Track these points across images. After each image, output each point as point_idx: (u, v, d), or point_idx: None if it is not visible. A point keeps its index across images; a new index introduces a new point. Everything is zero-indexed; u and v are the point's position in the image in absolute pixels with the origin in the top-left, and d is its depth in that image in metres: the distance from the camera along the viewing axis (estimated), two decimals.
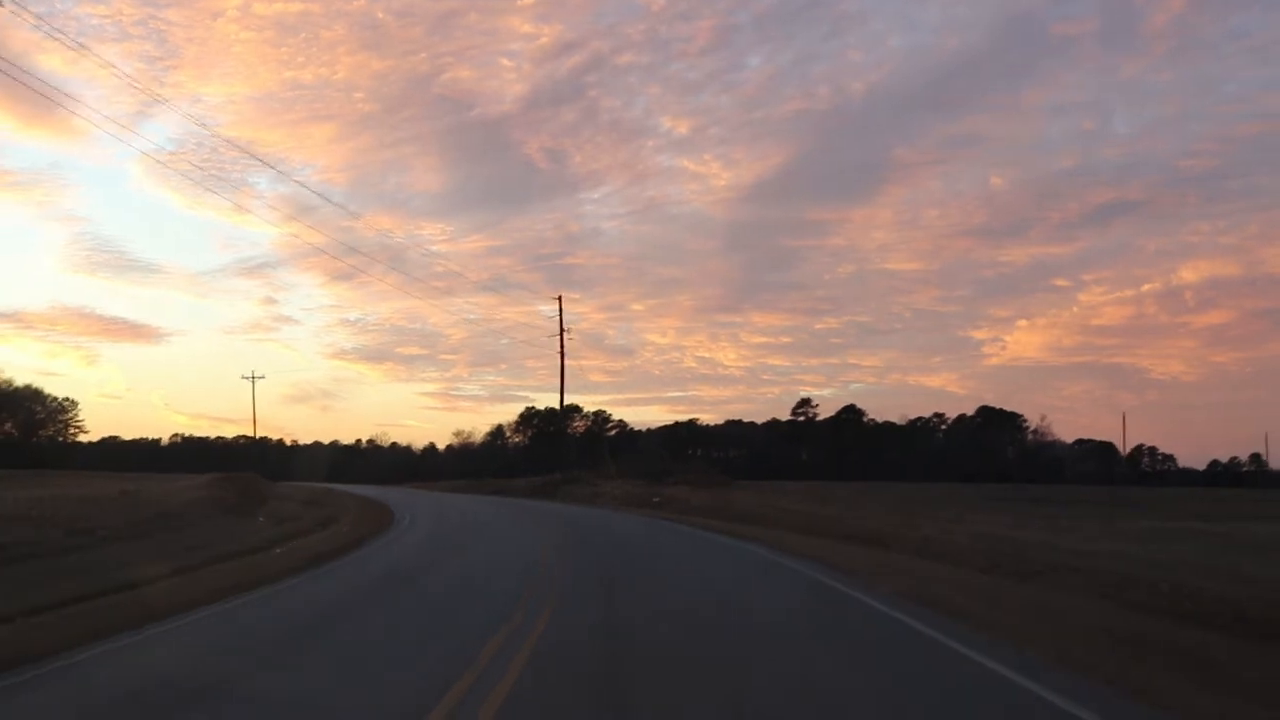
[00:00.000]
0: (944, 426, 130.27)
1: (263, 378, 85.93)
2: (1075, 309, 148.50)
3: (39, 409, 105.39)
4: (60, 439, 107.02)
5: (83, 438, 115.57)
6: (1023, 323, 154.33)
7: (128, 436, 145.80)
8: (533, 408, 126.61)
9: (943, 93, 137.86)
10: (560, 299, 64.08)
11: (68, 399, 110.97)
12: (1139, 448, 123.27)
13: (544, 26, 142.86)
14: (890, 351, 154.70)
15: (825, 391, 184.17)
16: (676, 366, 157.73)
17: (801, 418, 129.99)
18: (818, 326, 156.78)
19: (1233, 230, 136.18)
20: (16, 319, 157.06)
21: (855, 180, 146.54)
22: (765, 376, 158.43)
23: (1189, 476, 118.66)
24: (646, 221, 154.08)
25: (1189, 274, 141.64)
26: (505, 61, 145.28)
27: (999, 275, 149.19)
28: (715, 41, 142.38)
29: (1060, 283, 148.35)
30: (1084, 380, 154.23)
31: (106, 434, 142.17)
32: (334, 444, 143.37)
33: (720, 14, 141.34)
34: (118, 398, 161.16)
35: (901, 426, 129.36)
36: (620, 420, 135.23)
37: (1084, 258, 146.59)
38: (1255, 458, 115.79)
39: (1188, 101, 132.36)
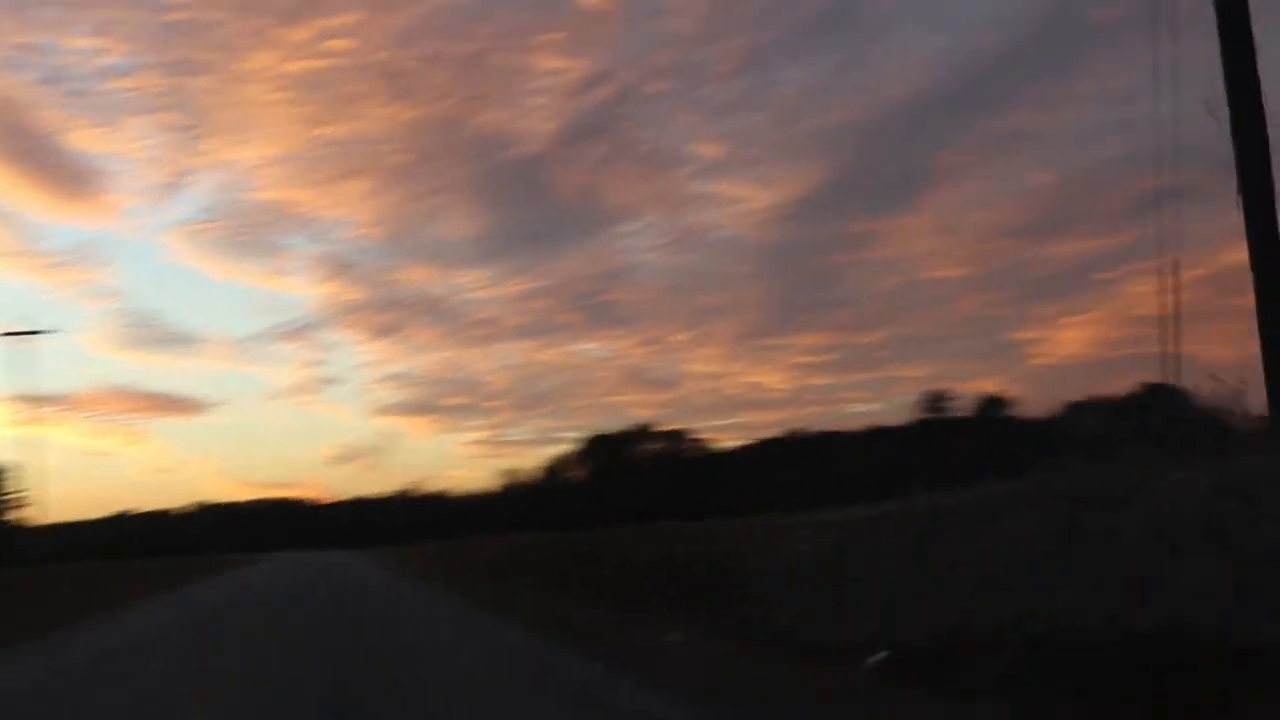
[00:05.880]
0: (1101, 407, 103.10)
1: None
2: (1121, 302, 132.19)
3: None
4: None
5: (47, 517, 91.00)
6: (1068, 320, 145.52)
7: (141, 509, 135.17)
8: (601, 434, 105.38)
9: (981, 91, 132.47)
10: None
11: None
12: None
13: (571, 61, 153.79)
14: (939, 361, 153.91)
15: (874, 406, 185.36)
16: (720, 394, 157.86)
17: (934, 416, 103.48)
18: (863, 342, 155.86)
19: None
20: (65, 401, 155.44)
21: (896, 189, 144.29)
22: (810, 397, 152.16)
23: None
24: (684, 251, 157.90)
25: (1234, 256, 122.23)
26: (535, 100, 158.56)
27: (1045, 274, 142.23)
28: (745, 62, 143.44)
29: (1105, 276, 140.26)
30: (1135, 373, 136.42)
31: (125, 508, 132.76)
32: (362, 499, 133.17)
33: (749, 33, 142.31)
34: (168, 471, 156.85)
35: (1050, 419, 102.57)
36: (696, 439, 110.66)
37: (1129, 250, 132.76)
38: None
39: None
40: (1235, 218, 12.33)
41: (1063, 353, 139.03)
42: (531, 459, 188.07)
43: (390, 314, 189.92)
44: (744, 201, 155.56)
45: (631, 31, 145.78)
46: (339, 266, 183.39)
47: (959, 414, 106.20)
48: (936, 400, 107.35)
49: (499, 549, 39.95)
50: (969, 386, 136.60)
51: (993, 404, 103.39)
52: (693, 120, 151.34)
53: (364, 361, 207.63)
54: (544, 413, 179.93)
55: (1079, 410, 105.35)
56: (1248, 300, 12.52)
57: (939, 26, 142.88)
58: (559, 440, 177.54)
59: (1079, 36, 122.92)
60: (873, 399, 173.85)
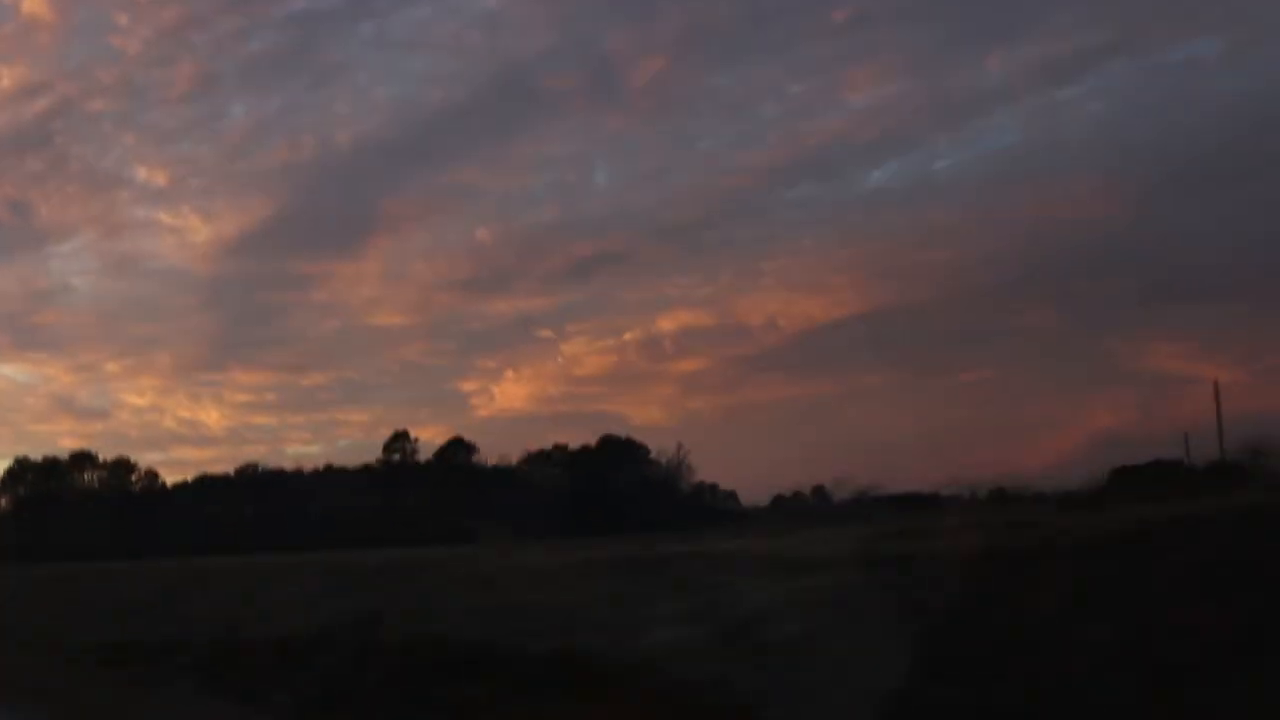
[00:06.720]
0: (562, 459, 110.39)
1: None
2: (559, 359, 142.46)
3: None
4: None
5: None
6: (509, 373, 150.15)
7: None
8: (25, 459, 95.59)
9: (430, 145, 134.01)
10: None
11: None
12: (701, 484, 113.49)
13: (4, 68, 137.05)
14: (378, 407, 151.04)
15: (314, 448, 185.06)
16: (155, 428, 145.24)
17: (396, 457, 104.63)
18: (305, 383, 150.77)
19: (708, 281, 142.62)
20: None
21: (342, 233, 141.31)
22: (250, 435, 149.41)
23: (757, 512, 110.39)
24: (122, 277, 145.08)
25: (667, 323, 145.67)
26: None
27: (486, 328, 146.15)
28: (196, 89, 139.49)
29: (545, 334, 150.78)
30: (569, 429, 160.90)
31: None
32: None
33: (201, 61, 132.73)
34: None
35: (513, 467, 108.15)
36: (149, 470, 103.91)
37: (567, 309, 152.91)
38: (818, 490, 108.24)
39: (667, 156, 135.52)
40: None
41: (505, 405, 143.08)
42: None
43: None
44: (186, 232, 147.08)
45: (74, 44, 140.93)
46: None
47: (420, 458, 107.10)
48: (398, 443, 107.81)
49: None
50: (418, 432, 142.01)
51: (454, 448, 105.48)
52: (135, 143, 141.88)
53: None
54: None
55: (536, 460, 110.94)
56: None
57: (392, 78, 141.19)
58: None
59: (527, 102, 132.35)
60: (315, 440, 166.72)
